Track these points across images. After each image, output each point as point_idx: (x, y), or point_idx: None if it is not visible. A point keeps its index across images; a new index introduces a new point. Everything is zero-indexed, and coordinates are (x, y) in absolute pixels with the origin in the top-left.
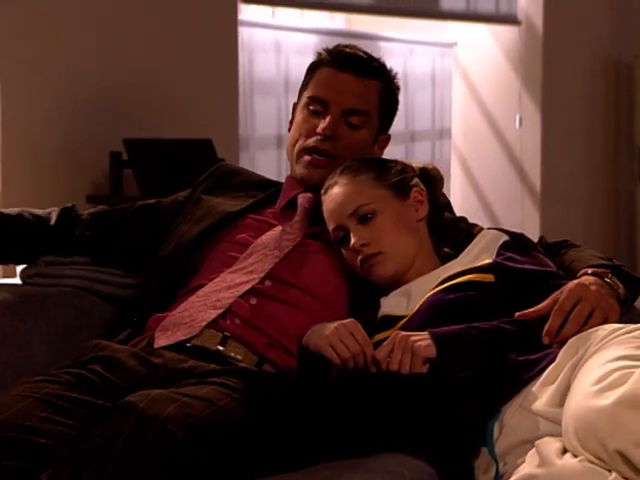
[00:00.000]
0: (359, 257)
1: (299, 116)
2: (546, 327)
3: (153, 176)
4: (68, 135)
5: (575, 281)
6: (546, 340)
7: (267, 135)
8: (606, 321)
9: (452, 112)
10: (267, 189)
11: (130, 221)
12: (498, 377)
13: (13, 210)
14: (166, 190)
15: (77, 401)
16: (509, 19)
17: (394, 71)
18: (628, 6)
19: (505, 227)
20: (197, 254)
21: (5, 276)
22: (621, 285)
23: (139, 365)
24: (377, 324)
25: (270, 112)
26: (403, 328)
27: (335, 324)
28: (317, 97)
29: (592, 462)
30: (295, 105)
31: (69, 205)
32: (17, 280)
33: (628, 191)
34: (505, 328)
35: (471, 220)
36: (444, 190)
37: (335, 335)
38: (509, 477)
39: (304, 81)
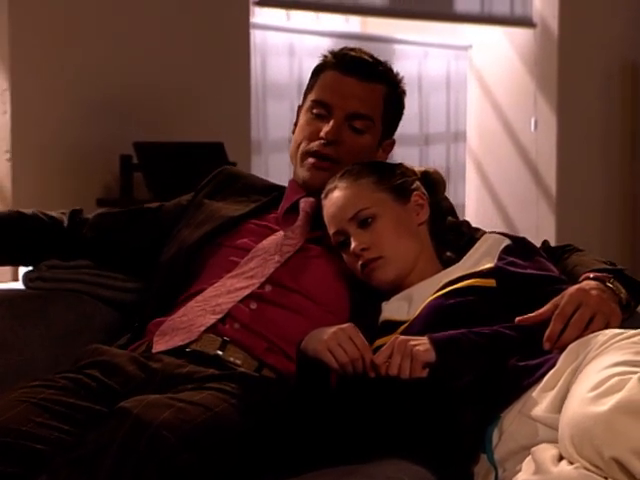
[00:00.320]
0: (359, 262)
1: (303, 119)
2: (547, 332)
3: (163, 179)
4: (79, 138)
5: (576, 286)
6: (547, 345)
7: (280, 138)
8: (608, 326)
9: (467, 115)
10: (270, 193)
11: (134, 223)
12: (498, 382)
13: (27, 210)
14: (176, 194)
15: (74, 406)
16: (524, 21)
17: (400, 75)
18: None
19: (520, 231)
20: (198, 259)
21: (9, 280)
22: (623, 290)
23: (137, 370)
24: (378, 329)
25: (283, 115)
26: (404, 333)
27: (333, 328)
28: (321, 100)
29: (588, 469)
30: (300, 108)
31: (77, 208)
32: (20, 284)
33: None
34: (505, 333)
35: (486, 224)
36: (460, 193)
37: (333, 340)
38: None
39: (309, 84)
